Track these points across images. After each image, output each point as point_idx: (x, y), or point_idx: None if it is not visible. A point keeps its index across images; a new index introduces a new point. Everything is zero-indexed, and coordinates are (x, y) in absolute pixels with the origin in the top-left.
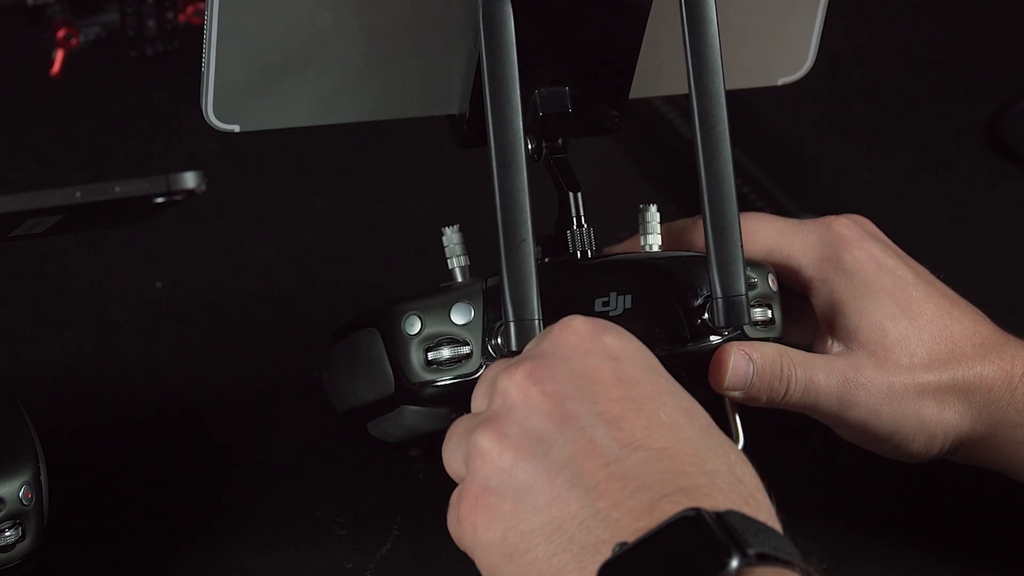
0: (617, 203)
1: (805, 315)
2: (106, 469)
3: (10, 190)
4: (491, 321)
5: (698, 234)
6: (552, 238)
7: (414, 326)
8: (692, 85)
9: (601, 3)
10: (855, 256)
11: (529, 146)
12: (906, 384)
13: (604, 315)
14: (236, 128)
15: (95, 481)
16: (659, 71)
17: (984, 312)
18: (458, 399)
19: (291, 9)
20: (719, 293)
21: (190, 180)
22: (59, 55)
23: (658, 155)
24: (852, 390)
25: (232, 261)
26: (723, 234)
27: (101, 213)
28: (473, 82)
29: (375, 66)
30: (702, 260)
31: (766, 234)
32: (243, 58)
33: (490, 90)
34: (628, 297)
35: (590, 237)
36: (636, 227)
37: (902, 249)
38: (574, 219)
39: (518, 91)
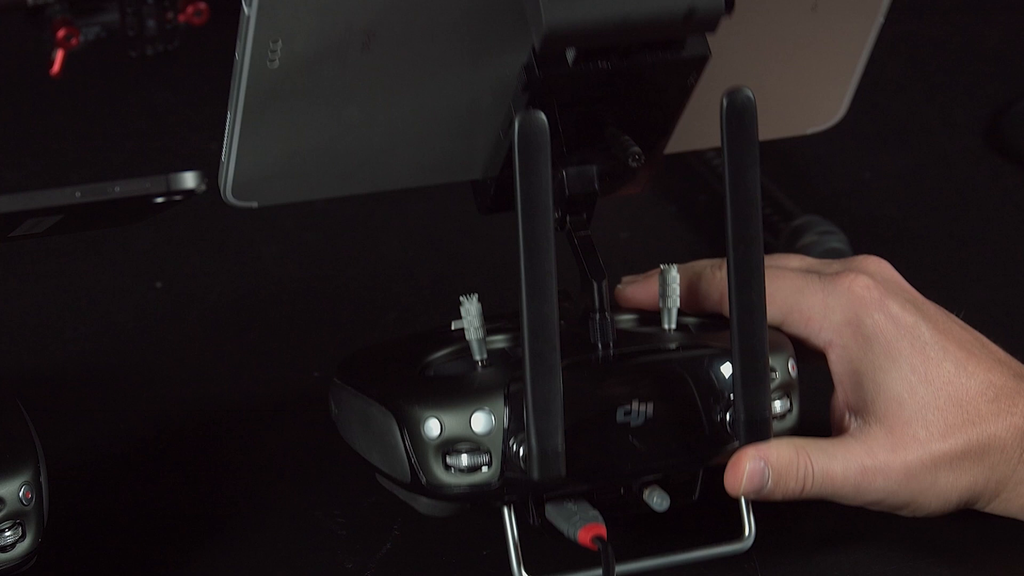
0: (628, 214)
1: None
2: (106, 469)
3: (10, 190)
4: (512, 430)
5: (716, 286)
6: (574, 302)
7: (433, 430)
8: (729, 206)
9: (637, 95)
10: (875, 320)
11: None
12: (923, 459)
13: (625, 425)
14: (254, 205)
15: (95, 481)
16: (688, 130)
17: (983, 312)
18: (475, 499)
19: (317, 102)
20: (743, 415)
21: (190, 180)
22: (59, 55)
23: (677, 175)
24: (870, 477)
25: (232, 261)
26: (751, 356)
27: (101, 213)
28: (505, 154)
29: (398, 146)
30: (724, 355)
31: (784, 294)
32: (265, 146)
33: (523, 219)
34: (650, 405)
35: (612, 328)
36: (639, 230)
37: (902, 248)
38: (597, 309)
39: (552, 225)
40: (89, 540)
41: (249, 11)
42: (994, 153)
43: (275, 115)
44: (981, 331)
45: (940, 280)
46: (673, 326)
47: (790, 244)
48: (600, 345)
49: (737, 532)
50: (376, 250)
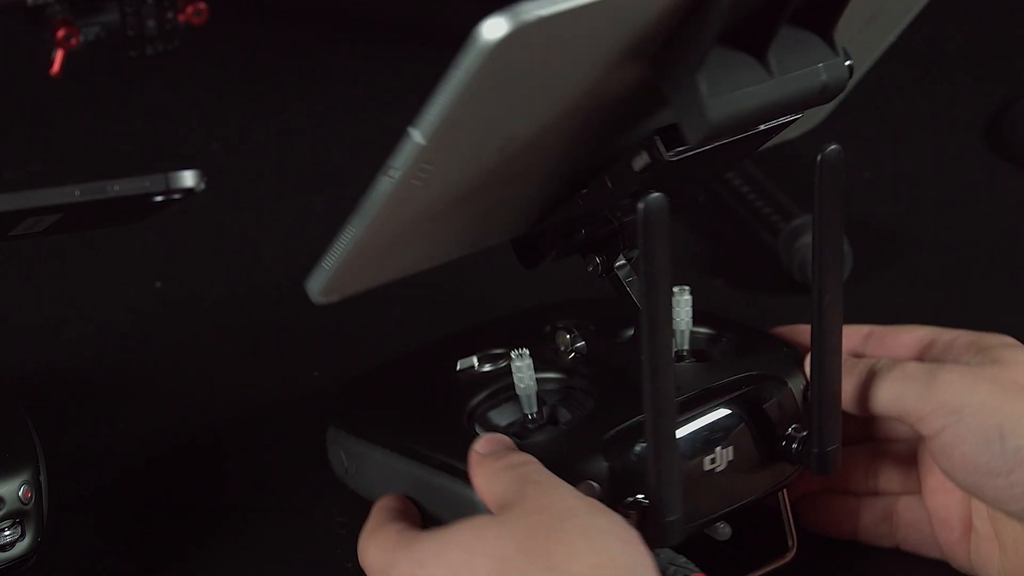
0: None
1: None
2: (105, 469)
3: (10, 190)
4: (617, 499)
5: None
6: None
7: None
8: (817, 254)
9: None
10: None
11: (597, 262)
12: None
13: (711, 472)
14: (335, 299)
15: (95, 481)
16: None
17: (983, 312)
18: None
19: (443, 206)
20: (816, 445)
21: (189, 179)
22: (59, 55)
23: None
24: None
25: (232, 261)
26: (829, 394)
27: (100, 212)
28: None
29: (484, 222)
30: (781, 383)
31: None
32: (374, 253)
33: (647, 299)
34: (730, 449)
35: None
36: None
37: (902, 248)
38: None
39: (671, 302)
40: (89, 540)
41: (421, 140)
42: (994, 153)
43: (396, 225)
44: (980, 332)
45: (940, 280)
46: (687, 346)
47: (790, 244)
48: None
49: (781, 548)
50: None
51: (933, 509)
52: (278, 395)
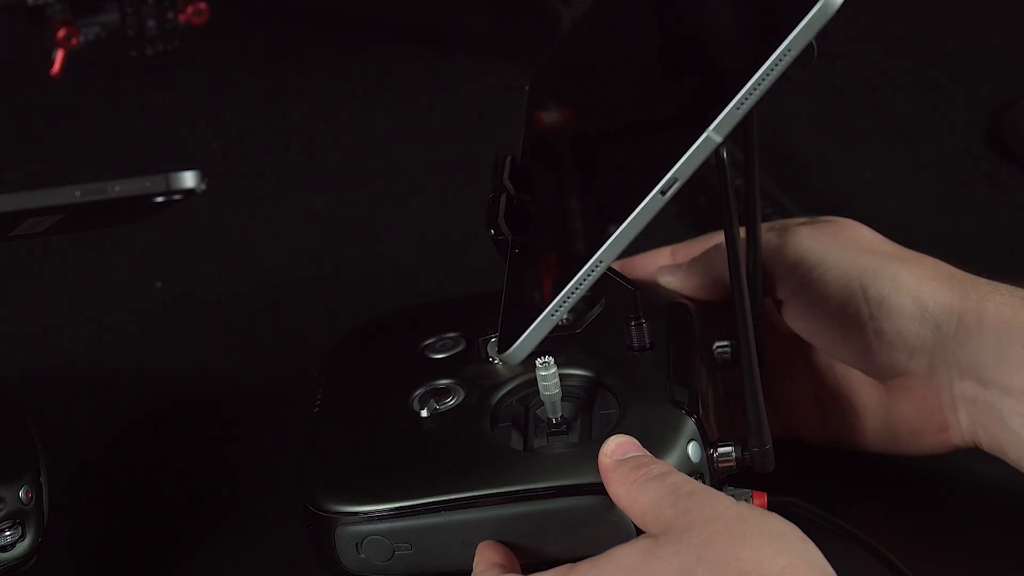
0: None
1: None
2: (106, 469)
3: (10, 190)
4: (706, 448)
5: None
6: None
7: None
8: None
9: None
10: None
11: None
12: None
13: (723, 396)
14: (516, 363)
15: (95, 481)
16: None
17: None
18: None
19: None
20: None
21: (189, 179)
22: (59, 55)
23: None
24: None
25: (232, 261)
26: (757, 299)
27: (101, 212)
28: None
29: None
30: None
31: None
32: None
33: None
34: (719, 374)
35: (647, 332)
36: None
37: (903, 247)
38: (634, 315)
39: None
40: (89, 540)
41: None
42: (994, 153)
43: None
44: None
45: None
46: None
47: None
48: (648, 346)
49: None
50: (376, 250)
51: (775, 395)
52: (278, 395)
